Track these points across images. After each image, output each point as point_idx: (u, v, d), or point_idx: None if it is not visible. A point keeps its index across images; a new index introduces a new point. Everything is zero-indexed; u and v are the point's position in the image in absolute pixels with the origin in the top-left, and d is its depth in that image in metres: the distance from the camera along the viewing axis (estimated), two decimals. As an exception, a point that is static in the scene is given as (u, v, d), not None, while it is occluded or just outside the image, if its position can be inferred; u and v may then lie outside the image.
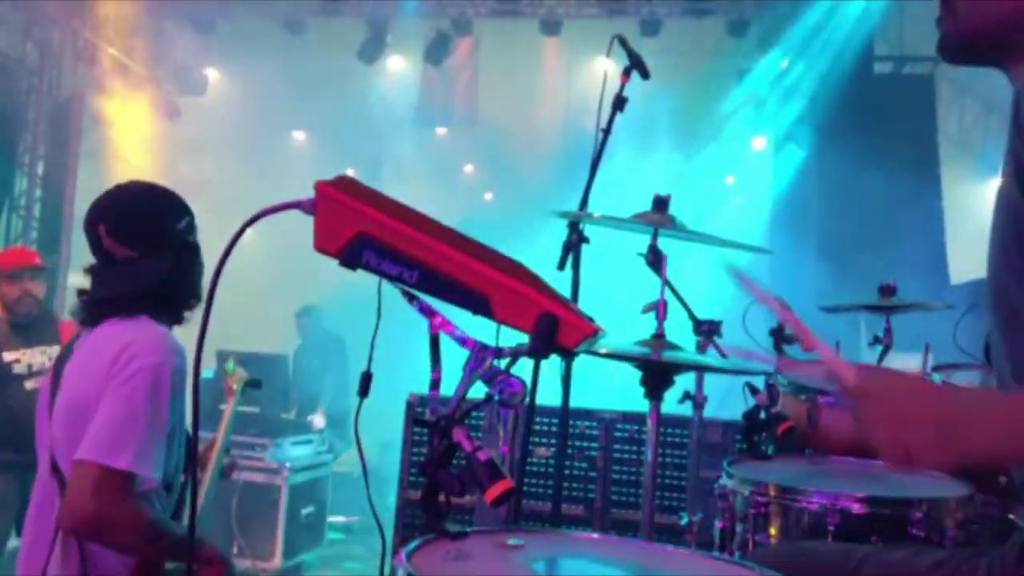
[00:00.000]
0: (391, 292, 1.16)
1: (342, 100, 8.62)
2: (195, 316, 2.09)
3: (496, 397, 1.08)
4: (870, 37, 7.29)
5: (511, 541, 1.28)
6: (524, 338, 1.10)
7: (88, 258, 2.06)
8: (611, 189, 2.99)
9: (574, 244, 2.63)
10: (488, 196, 10.02)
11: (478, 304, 1.10)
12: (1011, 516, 2.16)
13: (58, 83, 8.03)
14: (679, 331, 2.30)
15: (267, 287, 8.13)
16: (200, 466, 2.50)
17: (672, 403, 2.38)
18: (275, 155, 9.47)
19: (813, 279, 5.97)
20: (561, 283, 2.30)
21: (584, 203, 2.65)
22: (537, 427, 3.74)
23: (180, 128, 8.72)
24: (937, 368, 3.09)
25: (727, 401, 3.09)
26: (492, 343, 1.13)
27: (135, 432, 1.81)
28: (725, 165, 8.82)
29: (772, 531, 1.99)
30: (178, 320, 2.07)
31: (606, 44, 2.76)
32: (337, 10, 8.02)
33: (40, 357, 4.06)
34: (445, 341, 1.16)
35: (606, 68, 2.71)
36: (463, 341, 1.13)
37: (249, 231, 1.14)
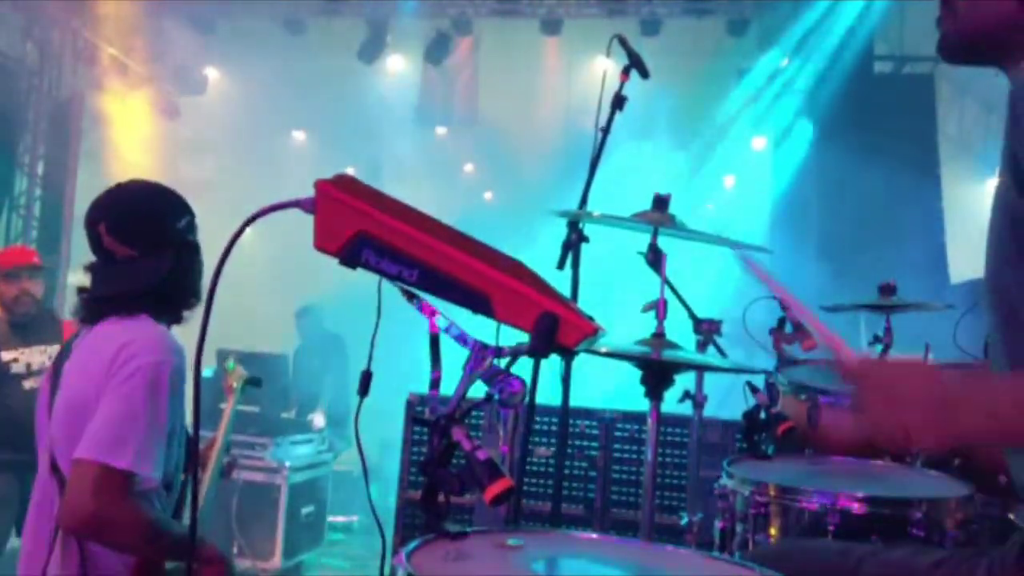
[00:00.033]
0: (391, 291, 1.16)
1: (342, 100, 8.61)
2: (194, 315, 2.09)
3: (496, 396, 1.08)
4: (870, 37, 7.28)
5: (511, 541, 1.28)
6: (524, 337, 1.10)
7: (88, 258, 2.06)
8: (611, 188, 2.99)
9: (574, 243, 2.63)
10: (488, 196, 10.01)
11: (478, 303, 1.10)
12: (1011, 516, 2.16)
13: (58, 83, 8.02)
14: (679, 330, 2.30)
15: (267, 287, 8.13)
16: (200, 465, 2.50)
17: (672, 402, 2.38)
18: (275, 155, 9.47)
19: (813, 279, 5.96)
20: (561, 282, 2.30)
21: (584, 202, 2.65)
22: (537, 426, 3.74)
23: (180, 128, 8.72)
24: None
25: (727, 401, 3.09)
26: (492, 342, 1.13)
27: (135, 431, 1.81)
28: (725, 165, 8.82)
29: (772, 531, 1.99)
30: (177, 319, 2.07)
31: (606, 44, 2.76)
32: (337, 10, 8.01)
33: (40, 356, 4.05)
34: (445, 340, 1.16)
35: (606, 68, 2.71)
36: (463, 340, 1.13)
37: (249, 230, 1.14)
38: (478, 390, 1.11)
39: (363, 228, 1.11)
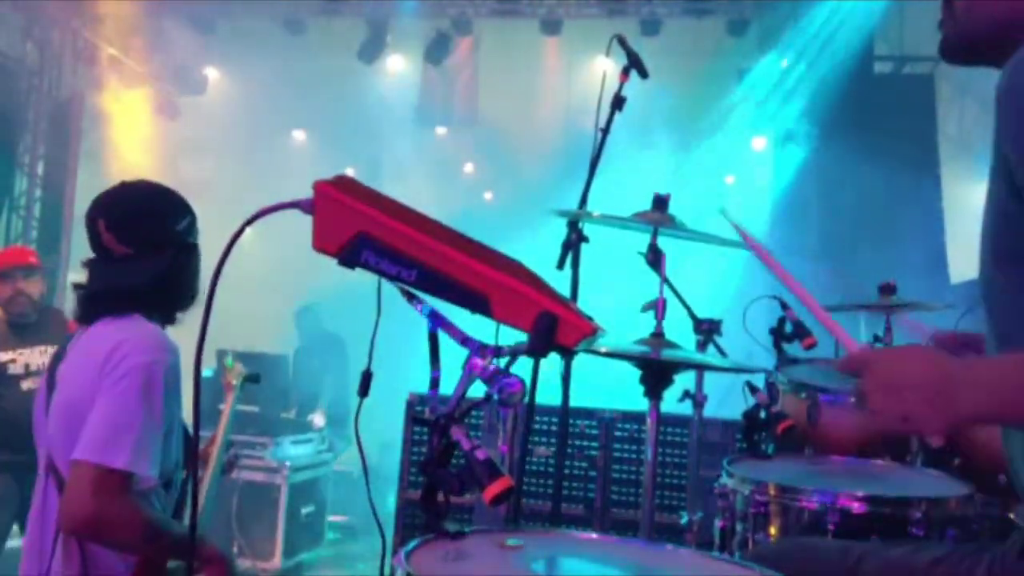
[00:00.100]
0: (391, 291, 1.16)
1: (342, 100, 8.61)
2: (194, 315, 2.08)
3: (495, 396, 1.08)
4: (870, 37, 7.28)
5: (510, 541, 1.28)
6: (523, 337, 1.10)
7: (88, 257, 2.06)
8: (611, 188, 2.99)
9: (574, 243, 2.64)
10: (488, 196, 10.01)
11: (477, 303, 1.10)
12: (1011, 515, 2.16)
13: (58, 83, 8.02)
14: (679, 330, 2.30)
15: (267, 286, 8.13)
16: (202, 463, 2.50)
17: (672, 402, 2.38)
18: (275, 155, 9.47)
19: (813, 278, 5.96)
20: (561, 282, 2.30)
21: (583, 202, 2.65)
22: (537, 426, 3.74)
23: (180, 128, 8.72)
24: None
25: (727, 400, 3.09)
26: (492, 342, 1.13)
27: (130, 431, 1.81)
28: (725, 164, 8.81)
29: (772, 530, 1.99)
30: (170, 320, 2.07)
31: (606, 44, 2.76)
32: (337, 10, 8.01)
33: (40, 357, 4.03)
34: (445, 340, 1.16)
35: (606, 68, 2.71)
36: (462, 340, 1.13)
37: (248, 230, 1.14)
38: (478, 390, 1.11)
39: (362, 229, 1.11)
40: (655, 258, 2.27)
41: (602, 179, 2.71)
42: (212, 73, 8.97)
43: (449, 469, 1.11)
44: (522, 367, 1.12)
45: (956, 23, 1.41)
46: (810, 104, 7.33)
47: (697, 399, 2.73)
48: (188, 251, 2.06)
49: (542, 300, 1.09)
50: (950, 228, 6.85)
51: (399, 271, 1.11)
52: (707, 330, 2.62)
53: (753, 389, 2.42)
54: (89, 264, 2.04)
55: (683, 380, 2.32)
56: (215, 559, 1.97)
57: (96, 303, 1.99)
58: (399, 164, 9.04)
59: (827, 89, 7.06)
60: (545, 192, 7.45)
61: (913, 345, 1.73)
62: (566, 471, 3.75)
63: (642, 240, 2.30)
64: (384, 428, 4.26)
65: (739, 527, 2.06)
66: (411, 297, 1.14)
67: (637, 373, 2.16)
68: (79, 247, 2.35)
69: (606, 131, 2.71)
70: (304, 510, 5.50)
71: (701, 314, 2.65)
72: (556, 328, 1.08)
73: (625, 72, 2.73)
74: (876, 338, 3.10)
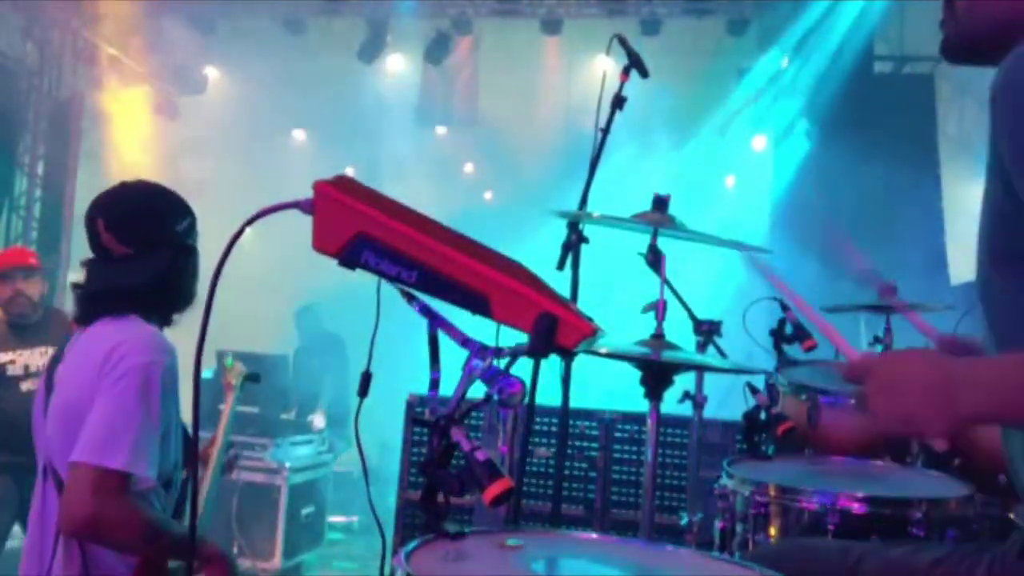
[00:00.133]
0: (390, 292, 1.16)
1: (342, 100, 8.61)
2: (189, 316, 2.08)
3: (495, 397, 1.08)
4: (870, 37, 7.28)
5: (510, 541, 1.28)
6: (524, 338, 1.10)
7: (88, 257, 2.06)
8: (611, 189, 2.99)
9: (573, 244, 2.63)
10: (488, 196, 10.01)
11: (477, 304, 1.10)
12: (1011, 515, 2.16)
13: (58, 83, 8.02)
14: (679, 331, 2.30)
15: (266, 287, 8.12)
16: (202, 463, 2.50)
17: (672, 403, 2.38)
18: (275, 155, 9.46)
19: (813, 278, 5.96)
20: (561, 283, 2.30)
21: (583, 202, 2.65)
22: (537, 427, 3.74)
23: (180, 127, 8.72)
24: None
25: (727, 401, 3.09)
26: (492, 343, 1.13)
27: (128, 432, 1.81)
28: (725, 164, 8.82)
29: (772, 531, 1.99)
30: (167, 321, 2.07)
31: (606, 44, 2.76)
32: (337, 10, 8.01)
33: (40, 358, 4.02)
34: (445, 341, 1.16)
35: (606, 68, 2.71)
36: (462, 341, 1.13)
37: (248, 231, 1.14)
38: (478, 391, 1.11)
39: (362, 229, 1.11)
40: (655, 259, 2.27)
41: (602, 179, 2.70)
42: (212, 73, 8.97)
43: (449, 470, 1.11)
44: (522, 368, 1.12)
45: (957, 23, 1.41)
46: (810, 104, 7.32)
47: (697, 400, 2.73)
48: (187, 253, 2.06)
49: (542, 301, 1.09)
50: (950, 228, 6.85)
51: (399, 272, 1.11)
52: (707, 331, 2.62)
53: (753, 390, 2.42)
54: (88, 264, 2.04)
55: (683, 381, 2.32)
56: (216, 558, 1.97)
57: (95, 303, 1.99)
58: (399, 164, 9.03)
59: (827, 89, 7.06)
60: (545, 192, 7.45)
61: (913, 348, 1.73)
62: (566, 472, 3.75)
63: (642, 241, 2.30)
64: (384, 429, 4.25)
65: (739, 528, 2.06)
66: (411, 298, 1.14)
67: (637, 374, 2.16)
68: (79, 247, 2.35)
69: (606, 131, 2.70)
70: (304, 511, 5.50)
71: (701, 315, 2.64)
72: (556, 329, 1.08)
73: (625, 72, 2.73)
74: (876, 339, 3.10)
